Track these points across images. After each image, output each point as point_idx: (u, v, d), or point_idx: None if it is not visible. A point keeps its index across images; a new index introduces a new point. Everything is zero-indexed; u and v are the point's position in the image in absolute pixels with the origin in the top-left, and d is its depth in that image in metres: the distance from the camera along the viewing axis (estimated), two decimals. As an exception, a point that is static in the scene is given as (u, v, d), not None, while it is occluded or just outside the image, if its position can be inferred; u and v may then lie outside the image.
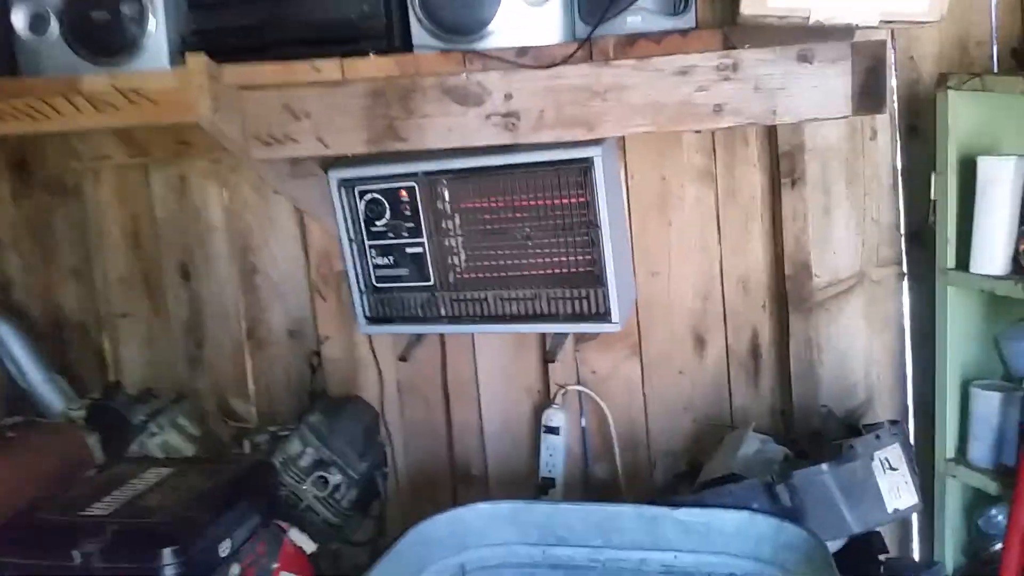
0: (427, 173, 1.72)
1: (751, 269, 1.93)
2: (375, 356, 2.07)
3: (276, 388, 2.22)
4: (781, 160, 1.84)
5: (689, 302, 1.96)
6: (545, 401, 2.05)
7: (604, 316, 1.69)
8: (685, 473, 1.81)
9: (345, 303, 2.02)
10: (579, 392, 1.98)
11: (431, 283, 1.81)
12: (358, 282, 1.87)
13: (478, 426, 2.11)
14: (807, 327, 1.88)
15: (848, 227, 1.91)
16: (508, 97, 1.44)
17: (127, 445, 1.81)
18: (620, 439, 2.00)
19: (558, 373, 2.00)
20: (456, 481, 2.14)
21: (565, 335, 1.79)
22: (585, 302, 1.70)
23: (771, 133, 1.85)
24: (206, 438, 1.94)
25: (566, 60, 1.37)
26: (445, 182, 1.72)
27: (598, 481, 2.02)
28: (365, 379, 2.08)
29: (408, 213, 1.77)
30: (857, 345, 1.95)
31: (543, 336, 1.95)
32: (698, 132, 1.83)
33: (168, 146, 2.03)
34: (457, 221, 1.77)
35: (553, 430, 1.90)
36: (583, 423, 2.01)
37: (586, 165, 1.59)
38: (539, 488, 1.89)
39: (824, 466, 1.39)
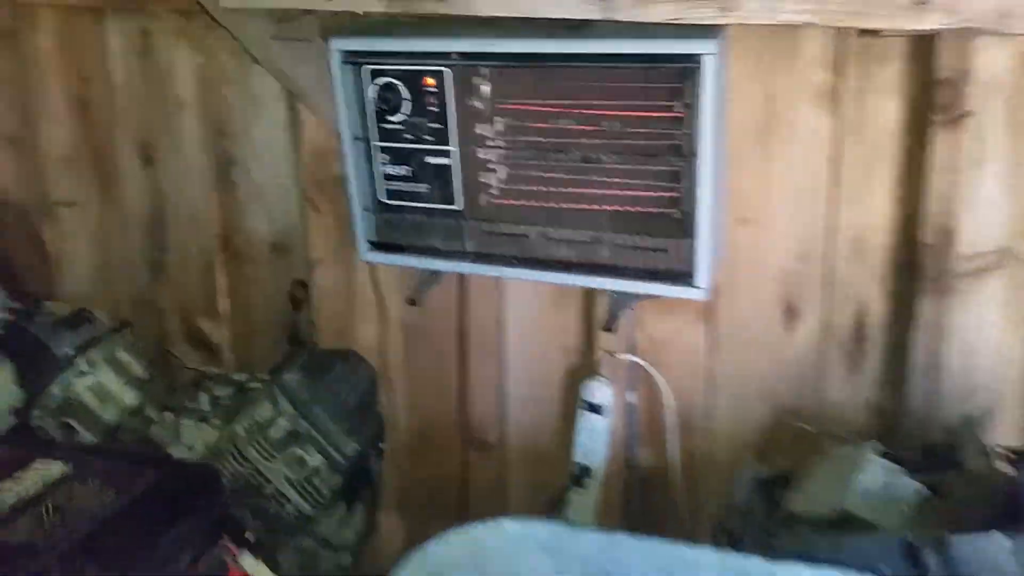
0: (464, 55, 1.26)
1: (870, 227, 1.48)
2: (377, 289, 1.65)
3: (255, 312, 1.81)
4: (937, 89, 1.36)
5: (783, 260, 1.52)
6: (584, 365, 1.63)
7: (685, 278, 1.25)
8: (766, 482, 1.39)
9: (344, 218, 1.58)
10: (628, 360, 1.55)
11: (457, 207, 1.37)
12: (361, 195, 1.43)
13: (499, 386, 1.70)
14: (939, 310, 1.43)
15: (1001, 188, 1.44)
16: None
17: (48, 383, 1.40)
18: (676, 423, 1.59)
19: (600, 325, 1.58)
20: (469, 448, 1.75)
21: (629, 296, 1.35)
22: (662, 255, 1.26)
23: (924, 50, 1.36)
24: (153, 383, 1.52)
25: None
26: (487, 71, 1.26)
27: (642, 472, 1.62)
28: (363, 317, 1.66)
29: (434, 109, 1.31)
30: (990, 338, 1.50)
31: (591, 288, 1.52)
32: (875, 34, 1.32)
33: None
34: (499, 127, 1.31)
35: (595, 408, 1.48)
36: (631, 398, 1.59)
37: (691, 66, 1.12)
38: (572, 478, 1.48)
39: (1003, 538, 0.96)
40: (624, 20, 0.98)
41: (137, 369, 1.50)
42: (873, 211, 1.46)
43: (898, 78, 1.39)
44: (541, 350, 1.67)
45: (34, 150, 1.80)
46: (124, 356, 1.50)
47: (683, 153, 1.20)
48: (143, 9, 1.64)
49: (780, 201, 1.49)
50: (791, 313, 1.55)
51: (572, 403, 1.67)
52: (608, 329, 1.31)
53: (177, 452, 1.38)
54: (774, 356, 1.57)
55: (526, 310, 1.65)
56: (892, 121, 1.41)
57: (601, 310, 1.56)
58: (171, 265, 1.82)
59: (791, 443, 1.52)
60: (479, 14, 1.04)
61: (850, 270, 1.50)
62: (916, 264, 1.43)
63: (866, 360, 1.54)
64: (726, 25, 1.11)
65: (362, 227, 1.45)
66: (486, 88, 1.28)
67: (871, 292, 1.50)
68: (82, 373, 1.45)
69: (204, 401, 1.43)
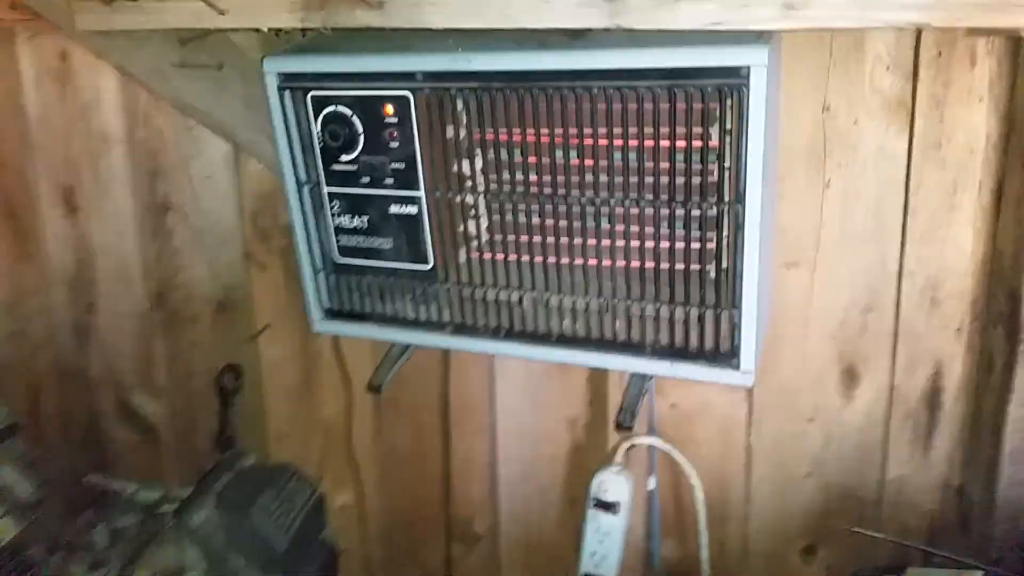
0: (433, 76, 0.96)
1: (948, 269, 1.19)
2: (340, 355, 1.35)
3: (198, 384, 1.51)
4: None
5: (841, 312, 1.23)
6: (592, 443, 1.34)
7: (725, 358, 0.95)
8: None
9: (297, 275, 1.29)
10: (648, 443, 1.26)
11: (429, 266, 1.07)
12: (310, 252, 1.14)
13: (489, 467, 1.42)
14: (1041, 375, 1.14)
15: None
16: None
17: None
18: (706, 512, 1.29)
19: (615, 399, 1.29)
20: (453, 541, 1.45)
21: (649, 379, 1.05)
22: (696, 329, 0.96)
23: (1018, 49, 1.08)
24: (43, 509, 1.21)
25: None
26: (463, 94, 0.96)
27: (665, 572, 1.33)
28: (323, 390, 1.36)
29: (396, 144, 1.02)
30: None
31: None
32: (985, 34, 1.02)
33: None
34: (479, 163, 1.02)
35: (608, 506, 1.19)
36: (651, 484, 1.29)
37: (733, 82, 0.83)
38: (581, 594, 1.19)
39: None
40: (641, 28, 0.68)
41: (25, 489, 1.20)
42: (951, 250, 1.18)
43: (988, 81, 1.10)
44: (539, 424, 1.38)
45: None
46: (8, 474, 1.19)
47: (721, 195, 0.90)
48: (61, 28, 1.35)
49: (836, 239, 1.20)
50: (850, 376, 1.26)
51: (577, 486, 1.38)
52: (623, 426, 1.01)
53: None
54: (826, 427, 1.29)
55: (521, 376, 1.36)
56: (979, 136, 1.13)
57: (613, 376, 1.27)
58: (99, 328, 1.54)
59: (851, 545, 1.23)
60: (430, 27, 0.74)
61: (923, 322, 1.21)
62: (1011, 319, 1.13)
63: (938, 431, 1.25)
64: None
65: (313, 291, 1.16)
66: (463, 114, 0.99)
67: (949, 349, 1.22)
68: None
69: (101, 536, 1.12)
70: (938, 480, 1.27)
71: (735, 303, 0.92)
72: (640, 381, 1.05)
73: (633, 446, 1.19)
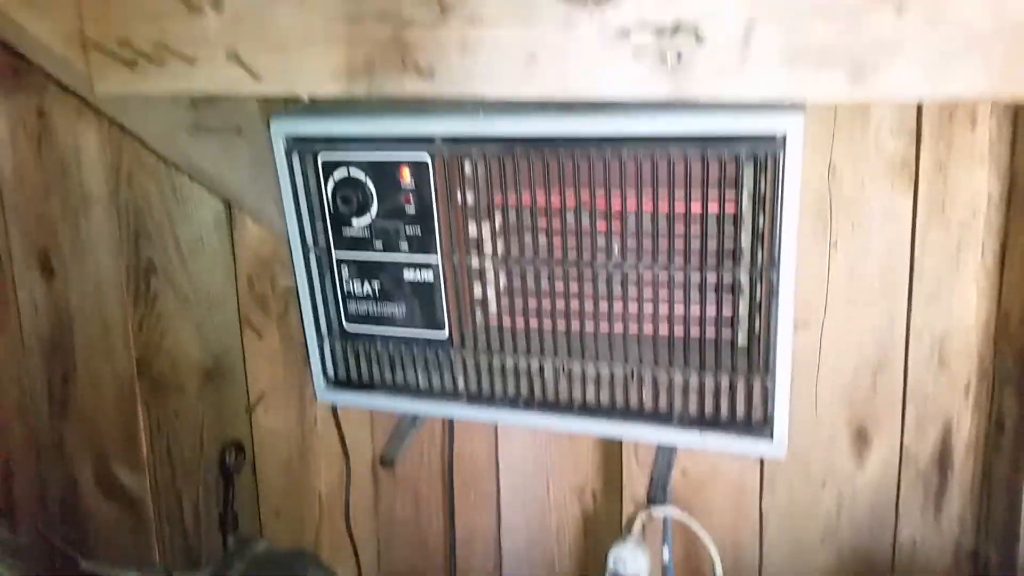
0: (452, 140, 0.94)
1: (956, 328, 1.19)
2: (338, 424, 1.30)
3: (184, 456, 1.44)
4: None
5: (850, 374, 1.22)
6: (605, 514, 1.30)
7: (758, 427, 0.93)
8: None
9: (294, 340, 1.25)
10: (664, 514, 1.22)
11: (444, 332, 1.04)
12: (317, 320, 1.09)
13: (494, 539, 1.36)
14: (1054, 437, 1.14)
15: None
16: (672, -11, 0.64)
17: None
18: (721, 579, 1.26)
19: (629, 466, 1.25)
20: (455, 615, 1.39)
21: (675, 450, 1.03)
22: (726, 397, 0.94)
23: (1018, 111, 1.10)
24: None
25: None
26: (481, 157, 0.94)
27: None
28: (319, 461, 1.30)
29: (412, 209, 0.99)
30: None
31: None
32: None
33: (3, 59, 1.21)
34: (498, 227, 1.00)
35: (627, 580, 1.14)
36: (665, 556, 1.25)
37: (766, 147, 0.82)
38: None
39: None
40: (706, 101, 0.66)
41: None
42: (958, 309, 1.18)
43: (988, 143, 1.11)
44: (547, 490, 1.34)
45: None
46: None
47: (754, 260, 0.89)
48: (38, 85, 1.31)
49: (845, 300, 1.20)
50: (861, 437, 1.25)
51: (588, 558, 1.34)
52: (656, 500, 0.98)
53: None
54: (840, 490, 1.27)
55: (527, 442, 1.32)
56: (982, 197, 1.14)
57: (627, 442, 1.24)
58: (79, 399, 1.46)
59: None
60: (483, 97, 0.72)
61: (932, 382, 1.20)
62: (1020, 380, 1.13)
63: (949, 492, 1.24)
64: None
65: (318, 359, 1.12)
66: (483, 179, 0.97)
67: (957, 407, 1.21)
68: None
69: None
70: (951, 543, 1.25)
71: (768, 370, 0.91)
72: (668, 453, 1.02)
73: (650, 517, 1.15)
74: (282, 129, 0.99)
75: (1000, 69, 0.60)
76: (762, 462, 1.27)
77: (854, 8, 0.62)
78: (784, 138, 0.81)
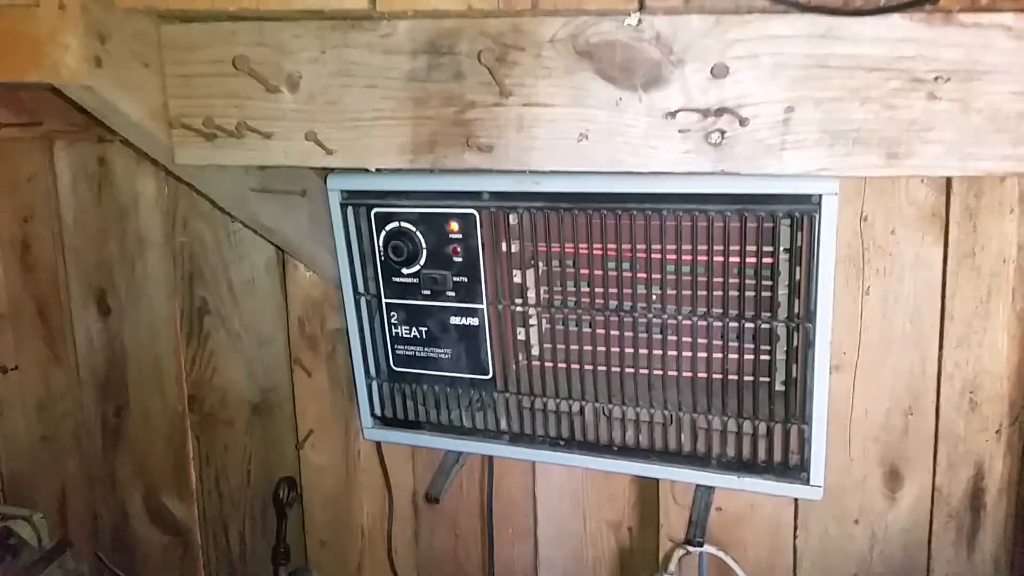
0: (498, 195, 0.99)
1: (985, 372, 1.21)
2: (382, 459, 1.35)
3: (232, 487, 1.49)
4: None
5: (883, 416, 1.25)
6: (640, 548, 1.33)
7: (795, 471, 0.96)
8: None
9: (342, 379, 1.30)
10: (700, 551, 1.25)
11: (488, 375, 1.08)
12: (366, 361, 1.14)
13: (532, 572, 1.40)
14: (1085, 479, 1.16)
15: None
16: (718, 73, 0.69)
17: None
18: (755, 616, 1.29)
19: (666, 503, 1.28)
20: (493, 649, 1.42)
21: (713, 490, 1.06)
22: (764, 442, 0.97)
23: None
24: None
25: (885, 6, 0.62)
26: (527, 212, 0.99)
27: None
28: (362, 495, 1.35)
29: (459, 259, 1.03)
30: None
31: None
32: None
33: (69, 114, 1.28)
34: (539, 274, 1.04)
35: (665, 616, 1.18)
36: (701, 590, 1.28)
37: (805, 209, 0.86)
38: None
39: None
40: (746, 173, 0.71)
41: None
42: (988, 353, 1.20)
43: (1017, 195, 1.14)
44: (583, 524, 1.37)
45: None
46: None
47: (792, 313, 0.92)
48: (98, 136, 1.37)
49: (877, 344, 1.23)
50: (893, 477, 1.27)
51: (624, 589, 1.37)
52: (695, 542, 1.01)
53: None
54: (873, 529, 1.29)
55: (565, 477, 1.36)
56: (1011, 245, 1.17)
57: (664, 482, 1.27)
58: (130, 431, 1.52)
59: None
60: (538, 170, 0.77)
61: (963, 425, 1.23)
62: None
63: (982, 531, 1.26)
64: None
65: (365, 398, 1.17)
66: (528, 232, 1.02)
67: (989, 450, 1.23)
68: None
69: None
70: (986, 581, 1.27)
71: (804, 417, 0.94)
72: (706, 494, 1.05)
73: (687, 553, 1.18)
74: (338, 185, 1.05)
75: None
76: (796, 501, 1.29)
77: (889, 93, 0.66)
78: (820, 200, 0.85)
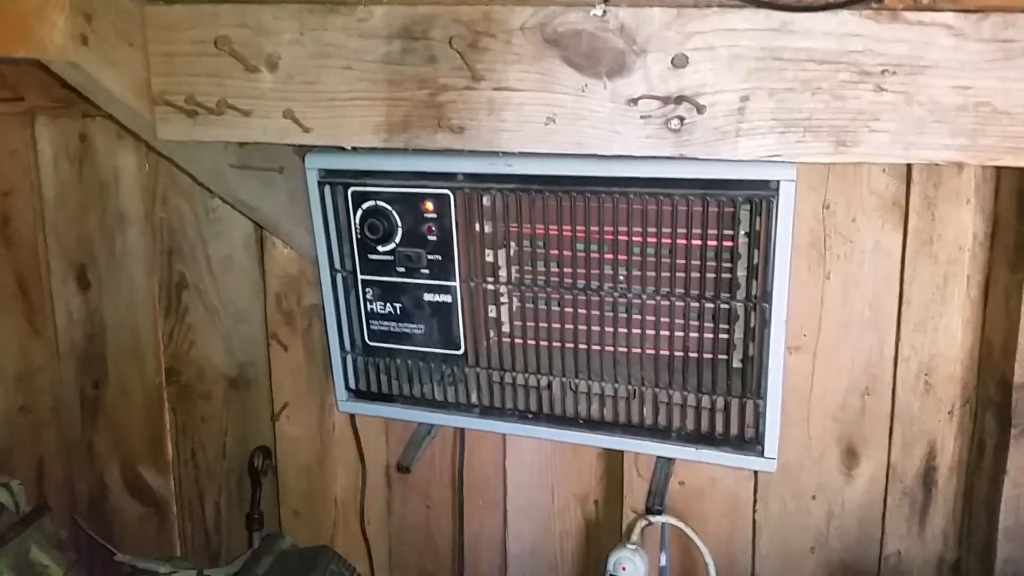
0: (472, 176, 1.02)
1: (940, 356, 1.26)
2: (355, 432, 1.38)
3: (208, 459, 1.52)
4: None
5: (841, 396, 1.30)
6: (606, 519, 1.38)
7: (750, 444, 1.01)
8: None
9: (317, 353, 1.33)
10: (661, 521, 1.30)
11: (460, 350, 1.12)
12: (341, 336, 1.18)
13: (501, 543, 1.44)
14: (1031, 457, 1.21)
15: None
16: (678, 63, 0.72)
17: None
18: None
19: (630, 476, 1.33)
20: (463, 617, 1.47)
21: (673, 462, 1.10)
22: (721, 416, 1.01)
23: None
24: None
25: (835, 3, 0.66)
26: (499, 193, 1.02)
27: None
28: (337, 468, 1.38)
29: (433, 237, 1.07)
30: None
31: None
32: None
33: (51, 90, 1.29)
34: (510, 253, 1.08)
35: (626, 584, 1.22)
36: (663, 561, 1.33)
37: (764, 194, 0.90)
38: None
39: None
40: (703, 158, 0.75)
41: (55, 572, 1.20)
42: (943, 338, 1.25)
43: (974, 185, 1.19)
44: (551, 497, 1.42)
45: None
46: (38, 556, 1.19)
47: (749, 293, 0.96)
48: (81, 111, 1.39)
49: (837, 327, 1.28)
50: (850, 455, 1.32)
51: (589, 563, 1.42)
52: (654, 510, 1.06)
53: None
54: (829, 504, 1.34)
55: (535, 451, 1.40)
56: (967, 234, 1.21)
57: (628, 454, 1.32)
58: (109, 404, 1.54)
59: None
60: (506, 150, 0.80)
61: (917, 405, 1.28)
62: (1001, 405, 1.21)
63: (933, 508, 1.31)
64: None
65: (340, 372, 1.20)
66: (500, 212, 1.05)
67: (941, 430, 1.29)
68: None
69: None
70: (934, 556, 1.33)
71: (760, 393, 0.98)
72: (666, 465, 1.10)
73: (649, 524, 1.23)
74: (316, 164, 1.07)
75: (965, 139, 0.68)
76: (756, 475, 1.34)
77: (838, 85, 0.70)
78: (778, 185, 0.89)
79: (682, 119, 0.73)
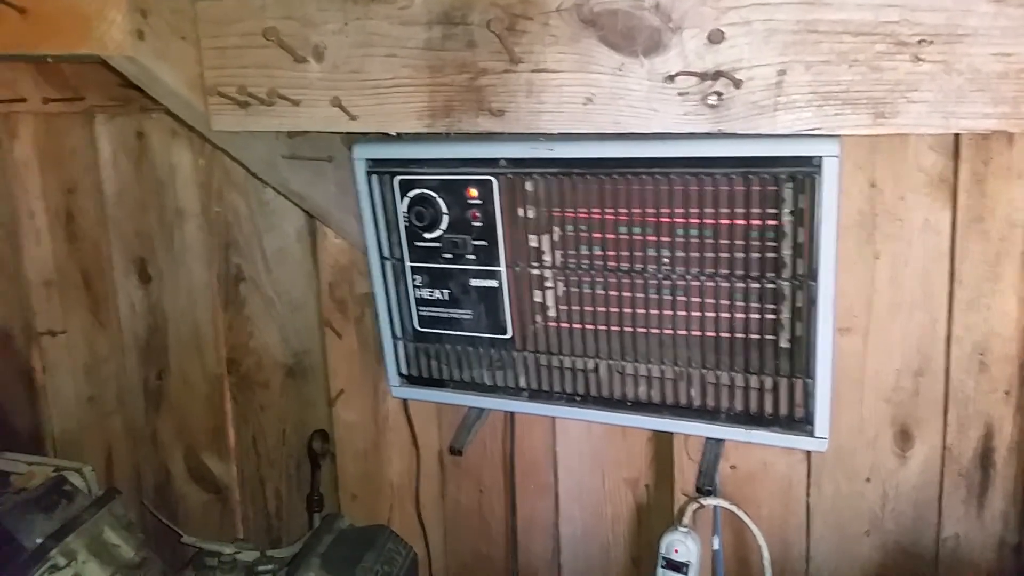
0: (515, 162, 1.03)
1: (994, 335, 1.24)
2: (408, 417, 1.41)
3: (268, 446, 1.57)
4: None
5: (893, 377, 1.28)
6: (657, 503, 1.38)
7: (800, 424, 1.01)
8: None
9: (370, 340, 1.36)
10: (713, 504, 1.30)
11: (508, 334, 1.13)
12: (391, 322, 1.20)
13: (553, 527, 1.45)
14: (1092, 437, 1.19)
15: None
16: (714, 39, 0.73)
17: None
18: (771, 570, 1.33)
19: (680, 460, 1.33)
20: (515, 599, 1.49)
21: (722, 443, 1.11)
22: (770, 396, 1.01)
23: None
24: (145, 569, 1.25)
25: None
26: (542, 178, 1.04)
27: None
28: (392, 452, 1.41)
29: (479, 223, 1.09)
30: None
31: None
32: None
33: (110, 89, 1.34)
34: (554, 238, 1.09)
35: (678, 567, 1.23)
36: (715, 544, 1.33)
37: (806, 170, 0.90)
38: (651, 654, 1.23)
39: None
40: (741, 132, 0.75)
41: (126, 552, 1.25)
42: (997, 316, 1.22)
43: (1025, 159, 1.16)
44: (602, 481, 1.43)
45: (16, 273, 1.59)
46: (111, 537, 1.24)
47: (795, 272, 0.96)
48: (138, 109, 1.44)
49: (887, 307, 1.26)
50: (904, 437, 1.30)
51: (640, 546, 1.42)
52: (704, 490, 1.06)
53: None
54: (884, 487, 1.32)
55: (582, 437, 1.41)
56: (1020, 210, 1.19)
57: (677, 437, 1.32)
58: (171, 393, 1.60)
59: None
60: (547, 132, 0.82)
61: (972, 386, 1.26)
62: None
63: (992, 489, 1.29)
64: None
65: (392, 358, 1.23)
66: (541, 196, 1.06)
67: (998, 411, 1.26)
68: (57, 568, 1.18)
69: (205, 595, 1.18)
70: (994, 538, 1.30)
71: (809, 372, 0.98)
72: (715, 446, 1.10)
73: (701, 507, 1.23)
74: (363, 154, 1.10)
75: (1007, 107, 0.67)
76: (809, 458, 1.33)
77: (875, 56, 0.69)
78: (820, 162, 0.88)
79: (719, 95, 0.74)
